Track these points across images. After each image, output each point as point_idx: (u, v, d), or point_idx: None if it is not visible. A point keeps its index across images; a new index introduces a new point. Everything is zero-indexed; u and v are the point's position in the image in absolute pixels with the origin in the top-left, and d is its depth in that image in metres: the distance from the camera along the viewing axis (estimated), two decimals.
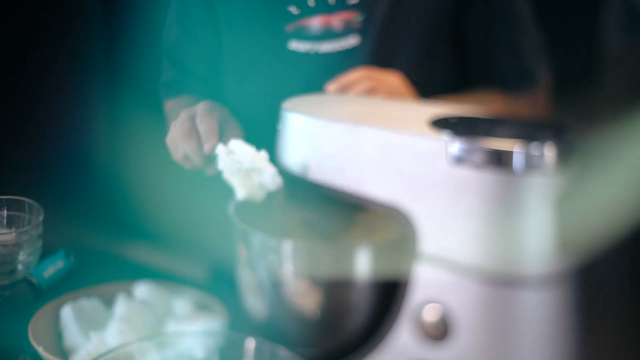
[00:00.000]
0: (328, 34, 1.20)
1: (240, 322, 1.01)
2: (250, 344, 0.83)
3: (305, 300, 0.89)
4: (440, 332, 0.83)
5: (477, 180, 0.80)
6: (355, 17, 1.20)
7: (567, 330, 0.82)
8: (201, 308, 1.05)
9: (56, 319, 1.02)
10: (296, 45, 1.22)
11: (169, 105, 1.35)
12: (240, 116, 1.27)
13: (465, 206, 0.80)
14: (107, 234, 2.04)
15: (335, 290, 0.88)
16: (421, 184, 0.82)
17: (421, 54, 1.24)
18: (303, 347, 0.93)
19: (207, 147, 0.98)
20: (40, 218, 1.20)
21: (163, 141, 1.30)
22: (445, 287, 0.82)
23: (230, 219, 0.94)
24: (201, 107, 1.04)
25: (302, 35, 1.21)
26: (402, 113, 0.90)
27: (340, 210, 0.91)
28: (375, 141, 0.84)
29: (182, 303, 1.02)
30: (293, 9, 1.21)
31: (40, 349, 0.94)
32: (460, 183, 0.80)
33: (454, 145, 0.80)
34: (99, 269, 1.28)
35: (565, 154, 0.81)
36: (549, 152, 0.80)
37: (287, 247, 0.88)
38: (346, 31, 1.20)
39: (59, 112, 2.37)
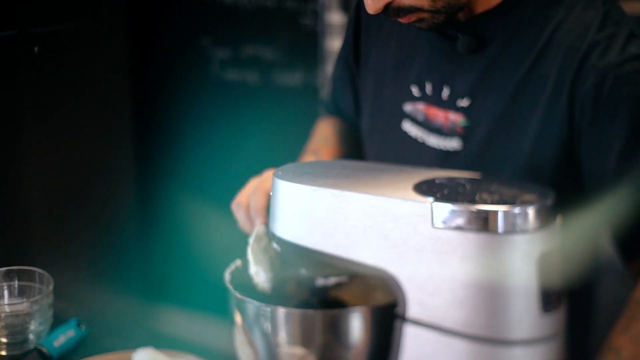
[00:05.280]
0: (434, 128, 1.15)
1: None
2: None
3: None
4: None
5: (461, 242, 0.80)
6: (460, 121, 1.12)
7: None
8: None
9: None
10: (408, 127, 1.19)
11: (319, 123, 1.41)
12: None
13: (450, 269, 0.80)
14: (119, 303, 2.06)
15: (328, 355, 0.88)
16: (407, 248, 0.83)
17: (526, 168, 1.09)
18: None
19: (254, 224, 1.04)
20: (51, 287, 1.23)
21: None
22: (433, 350, 0.82)
23: (225, 286, 0.95)
24: (257, 181, 1.07)
25: (415, 119, 1.18)
26: (388, 178, 0.91)
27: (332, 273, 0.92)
28: (361, 206, 0.85)
29: None
30: (415, 90, 1.18)
31: None
32: (445, 246, 0.81)
33: (438, 208, 0.81)
34: (111, 338, 1.29)
35: (546, 215, 0.81)
36: (531, 213, 0.80)
37: (280, 314, 0.89)
38: (451, 132, 1.13)
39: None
